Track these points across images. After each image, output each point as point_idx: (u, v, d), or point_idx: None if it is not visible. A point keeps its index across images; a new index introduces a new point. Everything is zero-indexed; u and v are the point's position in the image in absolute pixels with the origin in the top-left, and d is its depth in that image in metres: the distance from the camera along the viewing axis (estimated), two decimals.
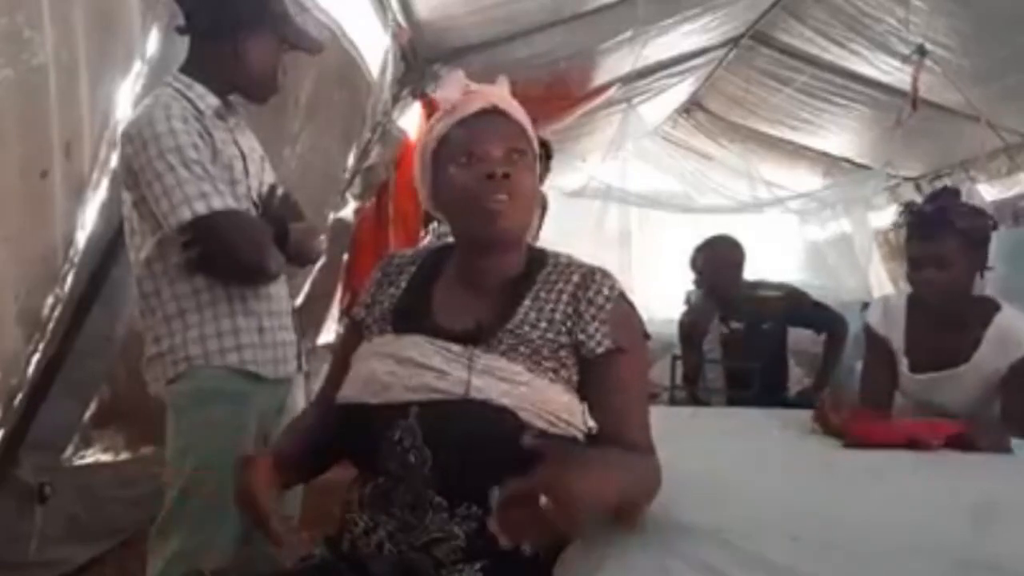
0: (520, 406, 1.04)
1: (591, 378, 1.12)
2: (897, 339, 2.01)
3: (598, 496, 0.91)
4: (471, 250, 1.18)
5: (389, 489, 1.08)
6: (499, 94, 1.18)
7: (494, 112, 1.15)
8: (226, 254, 1.56)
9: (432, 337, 1.11)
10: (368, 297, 1.24)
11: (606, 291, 1.13)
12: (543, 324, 1.11)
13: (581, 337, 1.11)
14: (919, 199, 2.09)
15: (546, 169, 4.31)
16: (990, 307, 1.91)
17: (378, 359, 1.12)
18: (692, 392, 3.38)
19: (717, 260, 3.37)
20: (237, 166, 1.62)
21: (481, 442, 1.03)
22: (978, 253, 1.88)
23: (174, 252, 1.56)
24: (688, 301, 3.47)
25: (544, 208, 4.55)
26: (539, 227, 4.53)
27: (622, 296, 1.15)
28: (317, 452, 1.23)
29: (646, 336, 1.24)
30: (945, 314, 1.92)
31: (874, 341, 2.07)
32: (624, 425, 1.10)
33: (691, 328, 3.46)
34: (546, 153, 4.25)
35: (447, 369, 1.07)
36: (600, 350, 1.10)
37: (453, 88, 1.16)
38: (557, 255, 1.21)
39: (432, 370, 1.08)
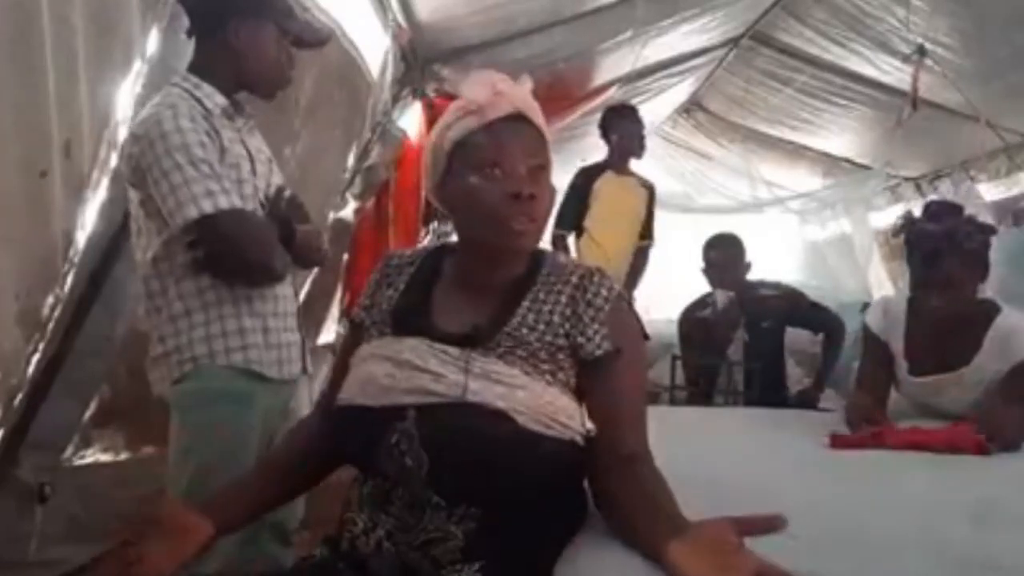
0: (516, 409, 1.03)
1: (589, 380, 1.11)
2: (897, 341, 2.00)
3: None
4: (479, 255, 1.17)
5: (388, 489, 1.08)
6: (524, 98, 1.14)
7: (519, 119, 1.12)
8: (232, 253, 1.55)
9: (430, 339, 1.11)
10: (367, 299, 1.24)
11: (604, 292, 1.12)
12: (541, 327, 1.10)
13: (580, 339, 1.10)
14: (917, 208, 2.06)
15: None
16: (991, 310, 1.90)
17: (376, 361, 1.12)
18: (693, 393, 3.37)
19: (735, 257, 3.33)
20: (244, 166, 1.62)
21: (477, 445, 1.02)
22: (982, 265, 1.88)
23: (180, 251, 1.56)
24: (713, 304, 3.35)
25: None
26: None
27: (620, 297, 1.14)
28: (309, 464, 1.25)
29: (645, 337, 1.23)
30: (946, 318, 1.92)
31: (871, 343, 2.06)
32: (621, 427, 1.09)
33: (714, 332, 3.32)
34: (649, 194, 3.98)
35: (444, 372, 1.07)
36: (598, 352, 1.09)
37: (482, 87, 1.12)
38: (556, 255, 1.21)
39: (429, 373, 1.07)
